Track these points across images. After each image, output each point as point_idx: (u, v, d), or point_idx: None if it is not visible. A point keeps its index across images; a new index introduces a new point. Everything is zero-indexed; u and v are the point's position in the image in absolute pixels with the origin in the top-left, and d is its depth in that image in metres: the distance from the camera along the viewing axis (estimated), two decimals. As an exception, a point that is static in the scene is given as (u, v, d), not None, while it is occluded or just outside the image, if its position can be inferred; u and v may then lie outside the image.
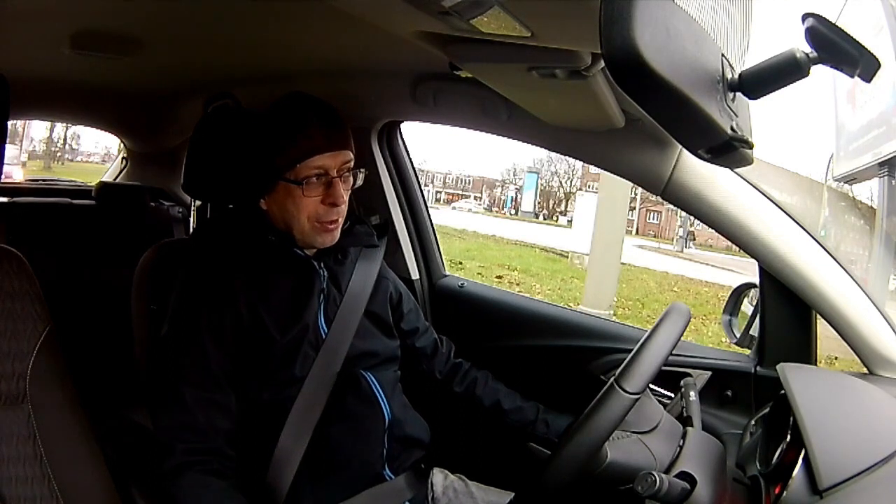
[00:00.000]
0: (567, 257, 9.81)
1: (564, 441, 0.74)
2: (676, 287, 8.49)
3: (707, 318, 6.10)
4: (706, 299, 7.48)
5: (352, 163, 0.95)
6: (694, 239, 16.45)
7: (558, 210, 20.86)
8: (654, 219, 20.34)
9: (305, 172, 0.91)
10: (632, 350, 0.78)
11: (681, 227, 16.56)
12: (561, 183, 20.94)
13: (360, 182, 0.98)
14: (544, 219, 20.40)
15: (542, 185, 21.50)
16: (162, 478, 0.85)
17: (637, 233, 19.16)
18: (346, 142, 0.94)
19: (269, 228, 0.97)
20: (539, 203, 21.64)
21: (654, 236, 18.73)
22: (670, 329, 0.78)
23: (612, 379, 0.75)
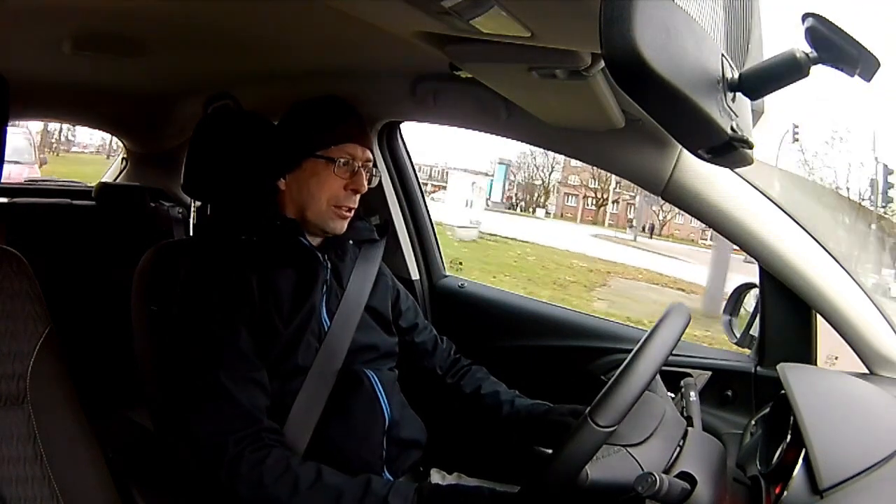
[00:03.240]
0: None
1: (543, 470, 0.74)
2: (552, 263, 9.09)
3: (563, 289, 6.35)
4: (582, 275, 8.14)
5: (371, 163, 1.02)
6: (653, 228, 17.15)
7: (537, 203, 21.03)
8: (613, 209, 20.56)
9: (338, 154, 0.98)
10: (631, 350, 0.78)
11: (634, 217, 17.41)
12: (540, 176, 21.23)
13: (375, 182, 1.04)
14: (521, 210, 20.52)
15: (525, 178, 21.68)
16: (222, 479, 0.82)
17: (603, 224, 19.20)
18: (370, 143, 1.05)
19: (279, 216, 1.00)
20: (515, 195, 21.80)
21: (612, 226, 19.02)
22: (659, 345, 0.75)
23: (585, 412, 0.73)
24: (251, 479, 0.81)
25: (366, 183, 1.00)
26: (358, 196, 1.00)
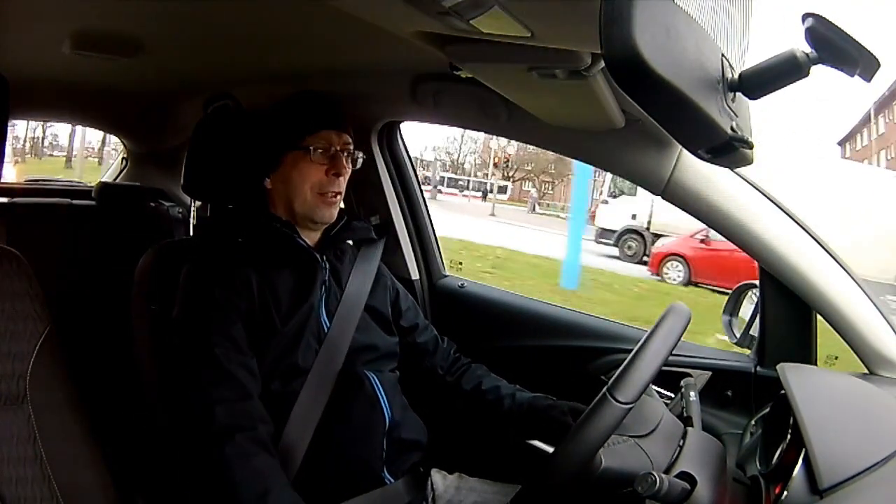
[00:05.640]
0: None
1: (557, 450, 0.74)
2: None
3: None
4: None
5: (352, 146, 1.03)
6: (485, 193, 19.97)
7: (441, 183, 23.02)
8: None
9: (312, 143, 1.00)
10: (632, 350, 0.78)
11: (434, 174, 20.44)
12: (452, 161, 23.51)
13: (359, 164, 1.05)
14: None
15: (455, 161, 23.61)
16: (203, 450, 0.84)
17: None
18: (347, 126, 1.04)
19: (273, 217, 1.01)
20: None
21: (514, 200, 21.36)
22: (667, 334, 0.77)
23: (605, 388, 0.74)
24: (237, 464, 0.82)
25: (347, 165, 1.01)
26: (342, 179, 1.01)
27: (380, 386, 1.00)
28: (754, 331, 1.11)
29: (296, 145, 0.99)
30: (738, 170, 0.94)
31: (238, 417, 0.85)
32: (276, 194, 1.02)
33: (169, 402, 0.96)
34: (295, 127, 1.00)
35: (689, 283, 7.53)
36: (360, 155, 1.06)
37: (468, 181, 20.79)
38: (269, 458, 0.85)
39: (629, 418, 0.74)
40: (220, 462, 0.82)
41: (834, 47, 0.48)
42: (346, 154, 1.02)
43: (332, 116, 1.02)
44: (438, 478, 1.08)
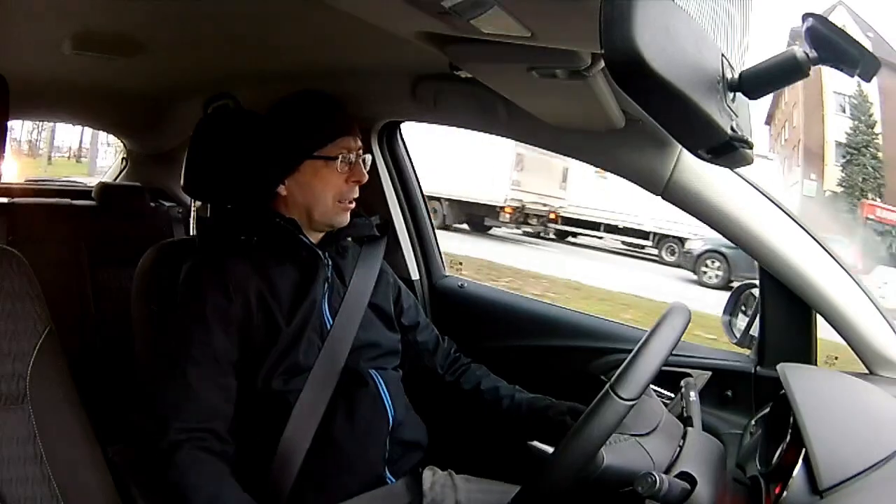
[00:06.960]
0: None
1: (559, 447, 0.74)
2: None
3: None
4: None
5: (362, 149, 1.03)
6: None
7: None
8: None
9: (335, 151, 0.98)
10: (632, 350, 0.78)
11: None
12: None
13: (367, 166, 1.05)
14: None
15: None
16: (157, 462, 0.85)
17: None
18: (357, 130, 1.03)
19: (276, 214, 1.00)
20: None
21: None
22: (668, 332, 0.77)
23: (607, 385, 0.74)
24: (184, 472, 0.83)
25: (365, 171, 1.01)
26: (358, 186, 1.01)
27: (383, 385, 1.00)
28: (754, 331, 1.11)
29: (318, 154, 0.98)
30: (737, 170, 0.94)
31: (190, 434, 0.86)
32: (290, 199, 1.00)
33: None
34: (315, 135, 0.98)
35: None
36: (369, 155, 1.05)
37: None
38: (221, 464, 0.86)
39: (630, 417, 0.74)
40: (167, 475, 0.84)
41: (834, 47, 0.48)
42: (360, 159, 1.01)
43: (348, 122, 1.01)
44: (428, 474, 1.07)
